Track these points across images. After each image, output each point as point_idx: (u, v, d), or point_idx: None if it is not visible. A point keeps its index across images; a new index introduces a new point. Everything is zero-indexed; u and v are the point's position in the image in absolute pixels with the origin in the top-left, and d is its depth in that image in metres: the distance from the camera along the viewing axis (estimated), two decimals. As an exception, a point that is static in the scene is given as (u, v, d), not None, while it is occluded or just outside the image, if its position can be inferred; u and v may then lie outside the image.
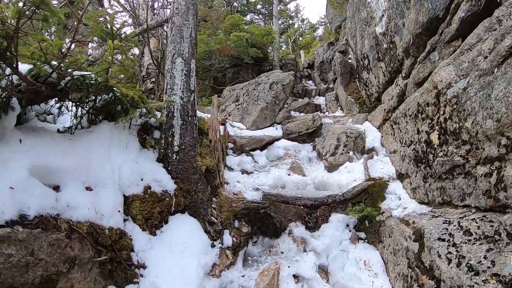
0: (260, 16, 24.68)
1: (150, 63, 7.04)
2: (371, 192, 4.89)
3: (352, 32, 9.31)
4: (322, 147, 6.42)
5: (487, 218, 2.90)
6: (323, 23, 36.11)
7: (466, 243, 2.88)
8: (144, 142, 4.31)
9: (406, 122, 4.76)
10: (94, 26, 4.87)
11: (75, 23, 3.88)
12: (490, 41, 2.98)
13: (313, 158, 6.72)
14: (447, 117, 3.56)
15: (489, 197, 2.92)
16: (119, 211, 3.48)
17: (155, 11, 9.44)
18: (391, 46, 6.36)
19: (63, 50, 3.12)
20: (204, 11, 19.54)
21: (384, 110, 6.22)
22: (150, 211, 3.85)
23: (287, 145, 6.72)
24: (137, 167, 3.92)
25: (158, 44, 7.00)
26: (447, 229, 3.17)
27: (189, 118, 4.52)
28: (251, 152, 6.25)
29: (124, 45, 3.51)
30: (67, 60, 3.06)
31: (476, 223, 2.95)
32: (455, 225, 3.14)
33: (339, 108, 11.50)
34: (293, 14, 35.01)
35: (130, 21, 9.18)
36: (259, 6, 24.42)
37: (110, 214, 3.33)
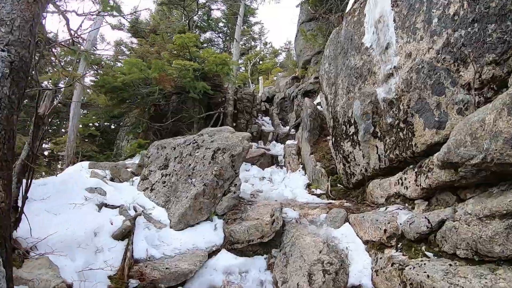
0: (220, 35, 22.20)
1: None
2: None
3: (331, 78, 7.09)
4: (282, 280, 3.89)
5: None
6: (286, 50, 34.66)
7: None
8: None
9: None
10: None
11: None
12: None
13: (266, 283, 4.19)
14: None
15: None
16: None
17: None
18: (402, 126, 4.10)
19: None
20: (154, 23, 16.73)
21: (384, 230, 3.87)
22: None
23: (229, 265, 4.07)
24: None
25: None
26: None
27: None
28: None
29: None
30: None
31: None
32: None
33: (301, 166, 9.21)
34: (256, 36, 33.11)
35: None
36: (221, 24, 21.96)
37: None
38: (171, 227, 4.72)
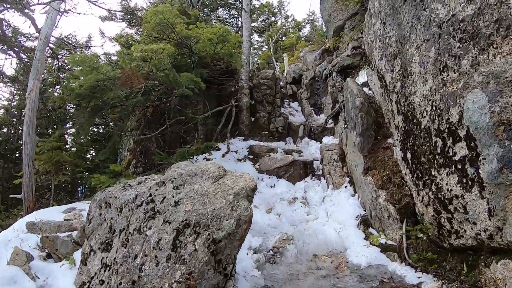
0: (234, 11, 19.13)
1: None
2: None
3: (390, 46, 4.21)
4: None
5: None
6: (310, 21, 30.85)
7: None
8: None
9: None
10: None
11: None
12: None
13: None
14: None
15: None
16: None
17: None
18: None
19: None
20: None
21: None
22: None
23: None
24: None
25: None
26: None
27: None
28: None
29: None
30: None
31: None
32: None
33: (347, 180, 6.40)
34: (276, 10, 29.50)
35: None
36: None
37: None
38: None
